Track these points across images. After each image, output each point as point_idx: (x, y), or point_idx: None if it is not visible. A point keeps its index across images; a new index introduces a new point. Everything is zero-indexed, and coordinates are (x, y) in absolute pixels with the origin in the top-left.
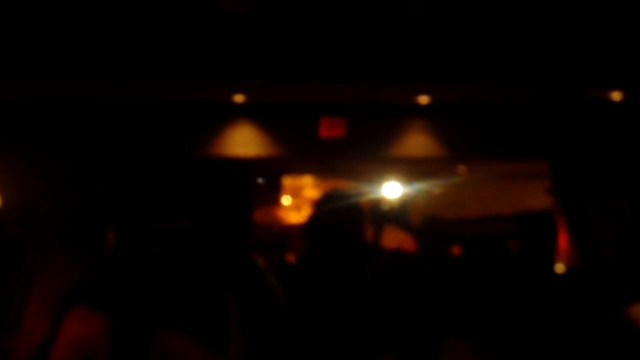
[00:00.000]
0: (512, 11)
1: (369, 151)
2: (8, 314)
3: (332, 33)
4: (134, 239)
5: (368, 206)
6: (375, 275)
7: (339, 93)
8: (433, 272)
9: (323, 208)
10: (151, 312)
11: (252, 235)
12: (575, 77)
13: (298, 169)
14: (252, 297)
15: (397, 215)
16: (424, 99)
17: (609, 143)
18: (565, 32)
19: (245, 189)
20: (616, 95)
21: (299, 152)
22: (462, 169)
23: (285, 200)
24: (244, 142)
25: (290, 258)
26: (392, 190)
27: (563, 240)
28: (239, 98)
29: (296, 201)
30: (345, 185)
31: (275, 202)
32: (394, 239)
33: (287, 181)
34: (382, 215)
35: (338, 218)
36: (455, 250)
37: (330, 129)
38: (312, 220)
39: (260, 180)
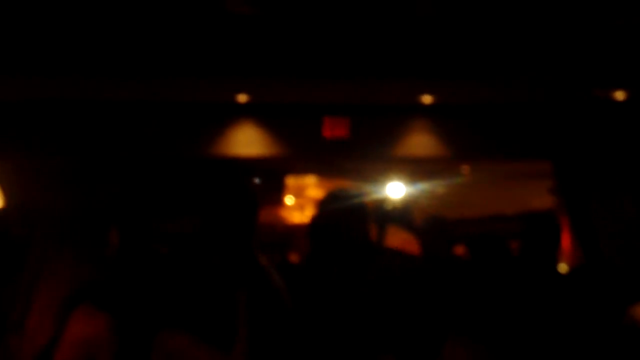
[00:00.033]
0: (517, 12)
1: (372, 151)
2: (13, 314)
3: (336, 33)
4: (138, 239)
5: (371, 206)
6: (378, 275)
7: (343, 93)
8: (436, 272)
9: (327, 208)
10: (155, 311)
11: (256, 235)
12: (579, 77)
13: (301, 169)
14: (259, 296)
15: (401, 215)
16: (427, 99)
17: (613, 143)
18: (569, 32)
19: (253, 189)
20: (620, 95)
21: (302, 152)
22: (465, 168)
23: (289, 200)
24: (247, 142)
25: (293, 258)
26: (395, 190)
27: (566, 240)
28: (242, 98)
29: (299, 201)
30: (349, 185)
31: (279, 201)
32: (397, 238)
33: (291, 181)
34: (386, 215)
35: (342, 218)
36: (459, 250)
37: (333, 128)
38: (316, 220)
39: (257, 180)
